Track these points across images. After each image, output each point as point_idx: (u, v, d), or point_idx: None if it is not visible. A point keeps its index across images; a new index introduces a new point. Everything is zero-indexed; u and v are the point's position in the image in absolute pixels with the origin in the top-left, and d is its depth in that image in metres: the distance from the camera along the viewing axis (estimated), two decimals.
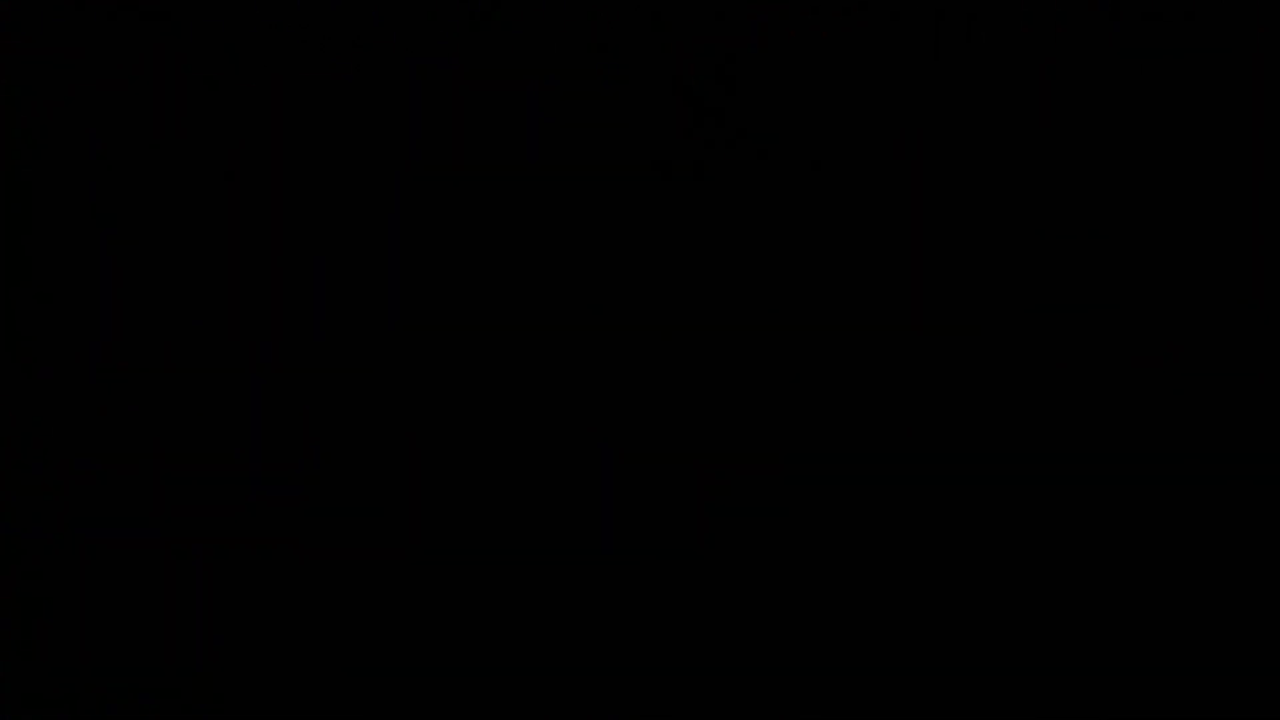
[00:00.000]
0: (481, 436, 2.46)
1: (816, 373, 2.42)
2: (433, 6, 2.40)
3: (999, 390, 2.42)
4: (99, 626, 2.42)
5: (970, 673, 2.38)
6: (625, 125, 2.47)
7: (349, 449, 2.45)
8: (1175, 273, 2.43)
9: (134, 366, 2.46)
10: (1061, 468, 2.42)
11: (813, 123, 2.42)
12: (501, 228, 2.47)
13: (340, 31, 2.44)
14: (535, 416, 2.45)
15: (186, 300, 2.47)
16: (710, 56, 2.43)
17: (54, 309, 2.45)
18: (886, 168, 2.42)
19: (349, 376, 2.46)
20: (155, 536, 2.42)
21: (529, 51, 2.45)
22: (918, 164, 2.44)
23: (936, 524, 2.40)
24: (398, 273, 2.48)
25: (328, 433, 2.45)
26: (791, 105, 2.44)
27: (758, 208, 2.42)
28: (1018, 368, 2.42)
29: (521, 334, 2.45)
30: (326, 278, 2.48)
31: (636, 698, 2.40)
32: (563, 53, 2.45)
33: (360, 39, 2.43)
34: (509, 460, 2.45)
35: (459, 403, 2.46)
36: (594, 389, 2.45)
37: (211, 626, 2.42)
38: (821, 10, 2.40)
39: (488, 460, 2.45)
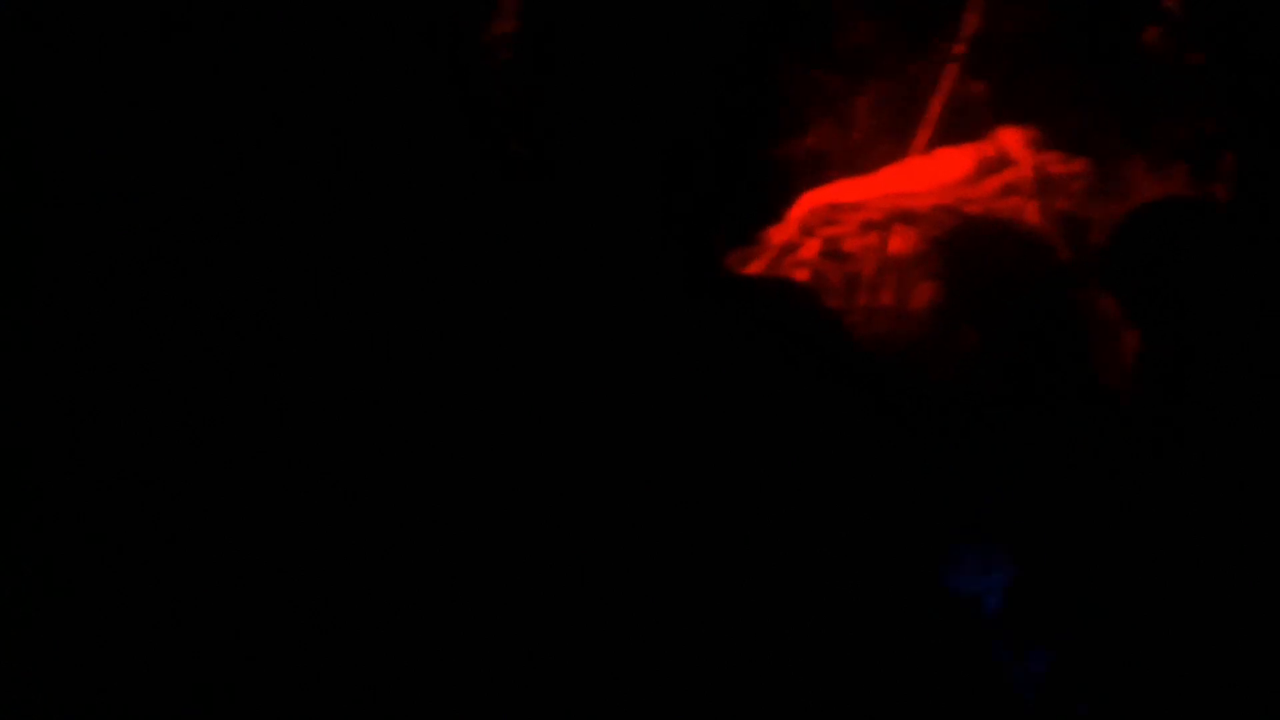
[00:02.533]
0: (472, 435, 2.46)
1: None
2: None
3: None
4: (98, 625, 2.42)
5: None
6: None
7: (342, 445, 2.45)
8: None
9: (132, 365, 2.47)
10: None
11: None
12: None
13: None
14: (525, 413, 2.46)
15: (185, 299, 2.48)
16: None
17: (54, 308, 2.46)
18: None
19: (343, 373, 2.47)
20: (153, 535, 2.43)
21: None
22: None
23: None
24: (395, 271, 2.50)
25: (322, 429, 2.46)
26: None
27: None
28: None
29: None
30: (321, 275, 2.49)
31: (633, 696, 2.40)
32: None
33: None
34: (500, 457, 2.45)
35: (454, 400, 2.47)
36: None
37: (209, 625, 2.42)
38: None
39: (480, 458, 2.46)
